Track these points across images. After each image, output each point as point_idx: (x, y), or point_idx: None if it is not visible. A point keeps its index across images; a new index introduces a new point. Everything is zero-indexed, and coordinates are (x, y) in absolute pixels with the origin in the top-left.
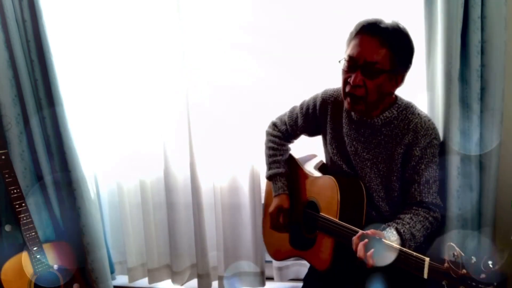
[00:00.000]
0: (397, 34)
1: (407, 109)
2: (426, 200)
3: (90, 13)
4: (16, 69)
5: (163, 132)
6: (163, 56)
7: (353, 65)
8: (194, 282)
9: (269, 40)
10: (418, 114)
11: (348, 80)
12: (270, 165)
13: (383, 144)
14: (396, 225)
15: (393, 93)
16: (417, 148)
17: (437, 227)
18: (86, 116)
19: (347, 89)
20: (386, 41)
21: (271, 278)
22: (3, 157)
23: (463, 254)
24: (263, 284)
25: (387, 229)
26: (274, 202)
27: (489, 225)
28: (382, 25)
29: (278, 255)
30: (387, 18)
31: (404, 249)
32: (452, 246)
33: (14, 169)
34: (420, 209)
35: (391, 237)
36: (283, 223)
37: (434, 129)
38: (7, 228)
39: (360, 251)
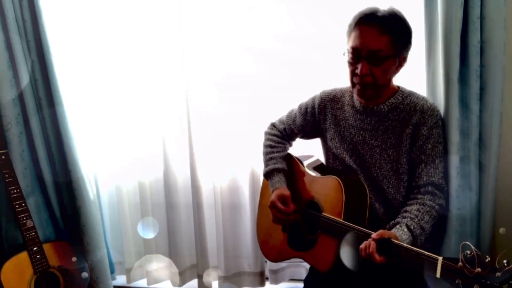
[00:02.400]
0: (394, 19)
1: (411, 95)
2: (433, 179)
3: (90, 13)
4: (16, 69)
5: (163, 132)
6: (163, 56)
7: (357, 55)
8: (194, 282)
9: (269, 40)
10: (423, 98)
11: (356, 71)
12: (267, 162)
13: (390, 129)
14: (405, 220)
15: (395, 74)
16: (425, 127)
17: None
18: (86, 116)
19: (355, 80)
20: (385, 27)
21: None
22: (3, 157)
23: (479, 252)
24: (263, 284)
25: (397, 227)
26: (273, 194)
27: (488, 225)
28: (379, 14)
29: (275, 257)
30: (382, 6)
31: (416, 248)
32: (468, 245)
33: (14, 169)
34: (426, 196)
35: (402, 235)
36: (290, 211)
37: (438, 111)
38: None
39: (371, 248)
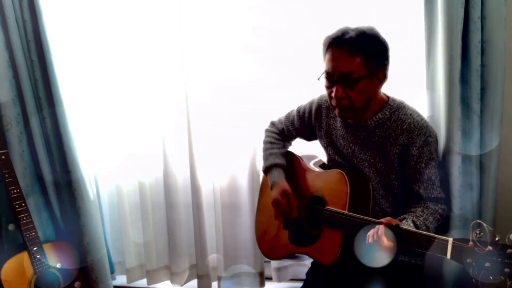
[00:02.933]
0: (363, 39)
1: (399, 110)
2: (432, 196)
3: (90, 13)
4: (16, 69)
5: (163, 132)
6: (163, 56)
7: (331, 79)
8: (194, 282)
9: (269, 40)
10: (410, 114)
11: (331, 94)
12: (266, 157)
13: (378, 144)
14: (412, 217)
15: (378, 91)
16: (414, 148)
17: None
18: (86, 116)
19: (333, 103)
20: (354, 49)
21: (270, 278)
22: (3, 157)
23: (491, 228)
24: (263, 285)
25: (403, 221)
26: (275, 189)
27: (489, 225)
28: (346, 36)
29: (275, 254)
30: (354, 25)
31: (425, 232)
32: (478, 223)
33: (14, 169)
34: (428, 202)
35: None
36: (292, 206)
37: (427, 127)
38: (11, 227)
39: (380, 231)
